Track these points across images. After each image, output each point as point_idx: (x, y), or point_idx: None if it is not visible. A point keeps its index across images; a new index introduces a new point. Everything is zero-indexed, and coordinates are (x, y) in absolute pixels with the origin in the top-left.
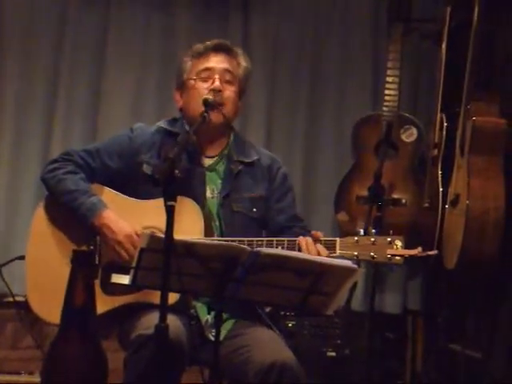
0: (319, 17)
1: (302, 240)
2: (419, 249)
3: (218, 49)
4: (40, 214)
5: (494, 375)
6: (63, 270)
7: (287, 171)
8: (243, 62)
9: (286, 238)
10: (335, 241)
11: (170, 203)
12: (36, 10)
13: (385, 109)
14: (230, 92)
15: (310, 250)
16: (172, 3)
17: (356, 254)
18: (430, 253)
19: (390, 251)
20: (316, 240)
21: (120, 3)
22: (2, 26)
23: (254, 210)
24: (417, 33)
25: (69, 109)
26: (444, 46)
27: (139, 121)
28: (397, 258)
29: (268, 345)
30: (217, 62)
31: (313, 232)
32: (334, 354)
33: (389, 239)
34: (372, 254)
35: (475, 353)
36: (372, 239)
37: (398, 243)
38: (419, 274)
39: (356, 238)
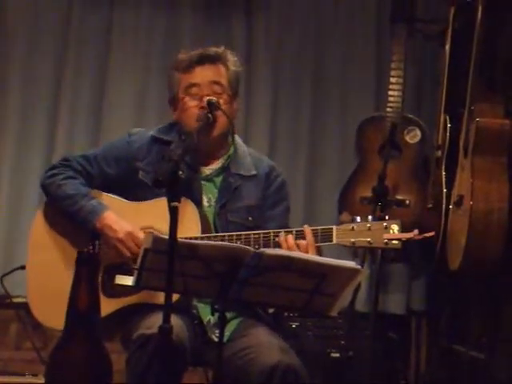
0: (322, 18)
1: (282, 237)
2: (415, 231)
3: (202, 60)
4: (39, 220)
5: (498, 376)
6: (64, 276)
7: (285, 180)
8: (232, 66)
9: (282, 230)
10: (331, 229)
11: (173, 204)
12: (40, 11)
13: (389, 110)
14: (222, 106)
15: (288, 243)
16: (175, 4)
17: (353, 240)
18: (427, 234)
19: (386, 236)
20: (314, 229)
21: (123, 4)
22: (5, 28)
23: (250, 218)
24: (420, 34)
25: (72, 111)
26: (448, 46)
27: (143, 123)
28: (394, 242)
29: (271, 346)
30: (203, 76)
31: (304, 226)
32: (337, 354)
33: (385, 224)
34: (368, 239)
35: (479, 354)
36: (368, 225)
37: (395, 227)
38: (423, 274)
39: (352, 225)
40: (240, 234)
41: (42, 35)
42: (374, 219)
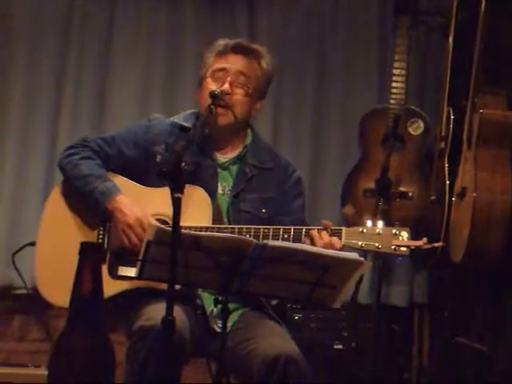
0: (324, 12)
1: (314, 232)
2: (424, 240)
3: (237, 49)
4: (55, 197)
5: (501, 368)
6: (73, 255)
7: (301, 176)
8: (264, 64)
9: (292, 227)
10: (341, 230)
11: (176, 195)
12: (43, 6)
13: (392, 102)
14: (239, 96)
15: (323, 237)
16: None
17: (361, 244)
18: (436, 244)
19: (395, 242)
20: (325, 228)
21: None
22: (8, 21)
23: (264, 210)
24: (424, 26)
25: (75, 105)
26: (451, 38)
27: (145, 117)
28: (402, 248)
29: (273, 338)
30: (233, 62)
31: (323, 221)
32: (340, 346)
33: (394, 230)
34: (377, 244)
35: (481, 346)
36: (378, 230)
37: (404, 234)
38: (426, 266)
39: (362, 229)
40: (250, 228)
41: (45, 29)
42: (384, 224)
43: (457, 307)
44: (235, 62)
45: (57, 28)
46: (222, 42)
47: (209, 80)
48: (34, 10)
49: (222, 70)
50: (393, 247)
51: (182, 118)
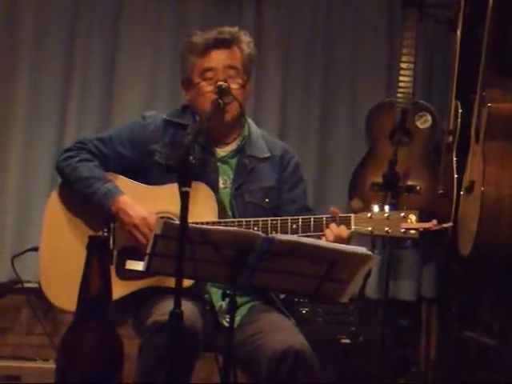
0: (332, 4)
1: (327, 230)
2: (434, 221)
3: (218, 44)
4: (54, 201)
5: (509, 362)
6: (77, 257)
7: (299, 161)
8: (246, 48)
9: (300, 217)
10: (350, 216)
11: (184, 189)
12: (49, 2)
13: (399, 95)
14: (236, 90)
15: (332, 230)
16: None
17: (370, 229)
18: (445, 225)
19: (404, 225)
20: (333, 216)
21: None
22: (15, 14)
23: (267, 200)
24: (432, 19)
25: (82, 100)
26: (459, 31)
27: (154, 108)
28: (411, 231)
29: (282, 332)
30: (218, 60)
31: (331, 209)
32: (347, 341)
33: (403, 214)
34: (386, 228)
35: (490, 340)
36: (386, 214)
37: (413, 217)
38: (434, 261)
39: (370, 214)
40: (257, 220)
41: (51, 24)
42: (391, 208)
43: (465, 301)
44: (220, 59)
45: (63, 25)
46: (199, 40)
47: (202, 84)
48: (40, 9)
49: (210, 69)
50: (402, 230)
51: (174, 114)
